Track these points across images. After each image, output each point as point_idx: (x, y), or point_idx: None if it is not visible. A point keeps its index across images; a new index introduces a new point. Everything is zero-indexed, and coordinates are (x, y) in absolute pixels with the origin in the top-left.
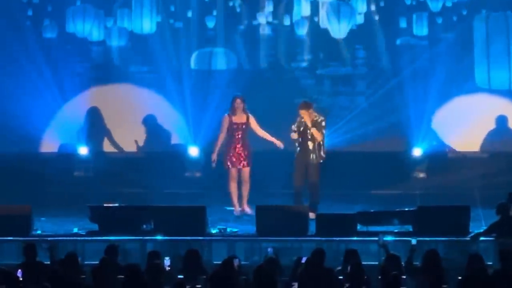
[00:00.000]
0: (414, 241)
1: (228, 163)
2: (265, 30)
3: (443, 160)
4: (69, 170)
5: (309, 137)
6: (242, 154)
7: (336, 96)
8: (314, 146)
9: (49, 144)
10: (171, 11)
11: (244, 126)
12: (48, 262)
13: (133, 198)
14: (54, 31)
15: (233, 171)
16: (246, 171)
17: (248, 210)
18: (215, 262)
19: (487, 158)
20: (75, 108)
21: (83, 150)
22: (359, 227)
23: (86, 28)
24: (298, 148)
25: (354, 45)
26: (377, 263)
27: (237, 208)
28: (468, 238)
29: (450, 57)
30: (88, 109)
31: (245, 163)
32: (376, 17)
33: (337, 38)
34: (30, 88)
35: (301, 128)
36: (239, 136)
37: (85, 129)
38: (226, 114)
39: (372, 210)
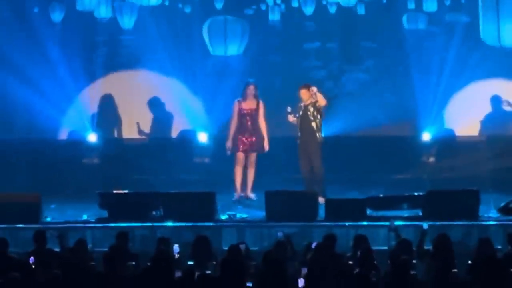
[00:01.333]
0: (425, 226)
1: (236, 148)
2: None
3: (452, 144)
4: (78, 157)
5: (311, 118)
6: (250, 140)
7: (344, 80)
8: (317, 126)
9: (58, 131)
10: None
11: (254, 113)
12: (58, 249)
13: (142, 185)
14: (62, 13)
15: (240, 156)
16: (252, 156)
17: (251, 195)
18: (224, 248)
19: (496, 141)
20: (84, 95)
21: (92, 137)
22: (368, 212)
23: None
24: (299, 134)
25: (363, 28)
26: (386, 248)
27: (238, 193)
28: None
29: (462, 41)
30: (98, 96)
31: (252, 148)
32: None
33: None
34: (41, 76)
35: (301, 112)
36: (249, 122)
37: (95, 116)
38: (236, 100)
39: (381, 195)
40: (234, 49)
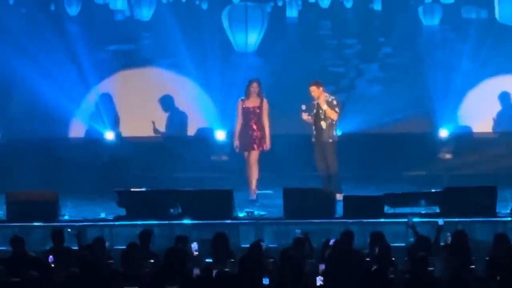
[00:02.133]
0: (441, 222)
1: (241, 147)
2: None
3: (469, 141)
4: (96, 155)
5: (322, 116)
6: (253, 137)
7: (361, 76)
8: (327, 126)
9: (76, 129)
10: None
11: (258, 110)
12: (76, 248)
13: (160, 183)
14: (78, 7)
15: (246, 155)
16: (253, 154)
17: (253, 196)
18: (242, 246)
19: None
20: (102, 93)
21: (109, 135)
22: (386, 208)
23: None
24: (314, 132)
25: (380, 25)
26: (404, 244)
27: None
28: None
29: (478, 37)
30: (113, 93)
31: (254, 146)
32: None
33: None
34: (57, 73)
35: (314, 110)
36: (252, 120)
37: (112, 114)
38: (239, 99)
39: (399, 192)
40: (254, 35)
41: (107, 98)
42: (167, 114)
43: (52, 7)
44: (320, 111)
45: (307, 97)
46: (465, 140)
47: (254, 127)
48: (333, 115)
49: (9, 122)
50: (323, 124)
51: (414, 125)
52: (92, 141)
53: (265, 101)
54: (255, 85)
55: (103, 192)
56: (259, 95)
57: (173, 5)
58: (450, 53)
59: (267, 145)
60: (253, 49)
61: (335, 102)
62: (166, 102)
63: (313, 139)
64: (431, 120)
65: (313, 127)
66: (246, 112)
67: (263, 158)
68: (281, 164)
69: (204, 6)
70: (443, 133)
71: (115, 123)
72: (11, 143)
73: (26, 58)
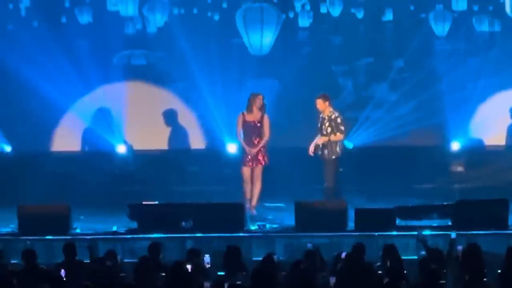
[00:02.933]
0: (453, 235)
1: (243, 162)
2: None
3: (481, 153)
4: (108, 168)
5: (324, 132)
6: (255, 153)
7: (373, 90)
8: (331, 140)
9: (87, 142)
10: (208, 3)
11: (259, 125)
12: (88, 261)
13: (172, 196)
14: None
15: (245, 170)
16: (258, 169)
17: (253, 211)
18: (254, 259)
19: None
20: (113, 106)
21: (121, 148)
22: (398, 221)
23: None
24: (320, 146)
25: (391, 37)
26: (416, 257)
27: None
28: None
29: (490, 49)
30: (125, 105)
31: (256, 162)
32: (411, 7)
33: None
34: (67, 87)
35: (318, 124)
36: (253, 134)
37: (122, 127)
38: (240, 112)
39: (410, 205)
40: (269, 35)
41: (118, 111)
42: (179, 127)
43: (64, 19)
44: (323, 127)
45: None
46: (477, 153)
47: (255, 142)
48: (339, 137)
49: (20, 135)
50: (326, 139)
51: (426, 138)
52: (104, 154)
53: (266, 116)
54: (258, 99)
55: (115, 205)
56: (261, 109)
57: (184, 16)
58: (462, 65)
59: (266, 160)
60: (267, 51)
61: (339, 120)
62: (178, 115)
63: (319, 152)
64: (443, 133)
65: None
66: (247, 126)
67: (273, 171)
68: (293, 177)
69: (216, 17)
70: (455, 146)
71: (126, 136)
72: (22, 156)
73: (37, 71)
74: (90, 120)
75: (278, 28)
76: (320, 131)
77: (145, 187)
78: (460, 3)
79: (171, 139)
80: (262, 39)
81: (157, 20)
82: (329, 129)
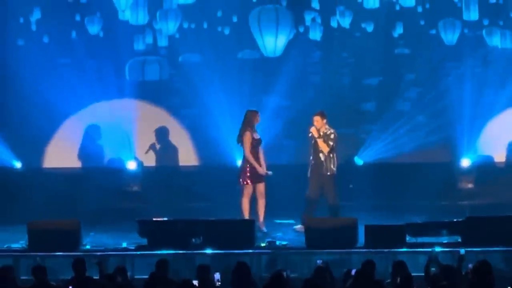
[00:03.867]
0: (462, 251)
1: (247, 180)
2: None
3: (491, 170)
4: (118, 185)
5: (319, 149)
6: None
7: (382, 106)
8: (325, 158)
9: (98, 159)
10: (217, 16)
11: (261, 141)
12: (97, 277)
13: (182, 212)
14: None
15: (249, 188)
16: (263, 185)
17: (262, 227)
18: (264, 275)
19: None
20: (124, 122)
21: (131, 165)
22: (408, 238)
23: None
24: (312, 161)
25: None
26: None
27: None
28: None
29: (501, 65)
30: (134, 122)
31: (262, 178)
32: (422, 22)
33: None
34: (78, 102)
35: (313, 141)
36: (260, 151)
37: (133, 143)
38: (248, 132)
39: (420, 221)
40: (284, 36)
41: (129, 127)
42: (189, 144)
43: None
44: (317, 145)
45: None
46: (486, 170)
47: (261, 158)
48: (324, 147)
49: (29, 151)
50: (322, 156)
51: (435, 154)
52: (115, 171)
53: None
54: (258, 116)
55: (125, 222)
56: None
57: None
58: (472, 82)
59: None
60: (280, 53)
61: (332, 136)
62: (160, 133)
63: (310, 167)
64: (453, 149)
65: (311, 158)
66: (257, 144)
67: (283, 188)
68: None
69: (227, 31)
70: (465, 162)
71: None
72: (31, 172)
73: (47, 84)
74: (99, 136)
75: (293, 31)
76: (315, 149)
77: (155, 204)
78: (472, 13)
79: (179, 156)
80: (276, 40)
81: (169, 29)
82: (319, 143)
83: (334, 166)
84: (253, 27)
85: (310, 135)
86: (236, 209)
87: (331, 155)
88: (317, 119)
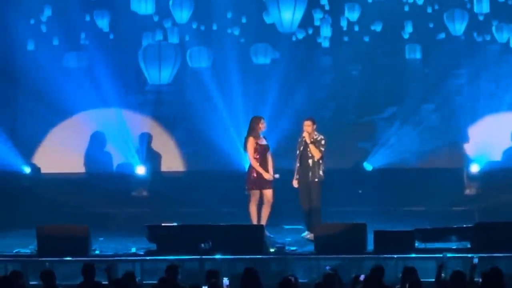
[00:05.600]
0: (476, 260)
1: (253, 186)
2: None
3: (500, 176)
4: (127, 190)
5: (309, 155)
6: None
7: (391, 112)
8: (313, 164)
9: (107, 164)
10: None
11: (266, 148)
12: (106, 282)
13: (191, 217)
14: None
15: (256, 194)
16: (271, 191)
17: (266, 232)
18: (273, 281)
19: None
20: (133, 127)
21: (140, 170)
22: (417, 244)
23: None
24: (299, 169)
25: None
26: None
27: None
28: None
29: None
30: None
31: (267, 185)
32: (431, 25)
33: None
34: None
35: (301, 148)
36: (265, 158)
37: (143, 149)
38: (251, 137)
39: (430, 227)
40: (301, 10)
41: (138, 133)
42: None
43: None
44: (308, 149)
45: (339, 129)
46: (495, 175)
47: (268, 165)
48: (316, 153)
49: (38, 156)
50: (310, 162)
51: (444, 160)
52: (124, 176)
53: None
54: (261, 124)
55: (134, 227)
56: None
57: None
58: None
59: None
60: (295, 28)
61: (323, 142)
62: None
63: (297, 177)
64: (462, 155)
65: (298, 165)
66: (264, 149)
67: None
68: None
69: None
70: (474, 168)
71: (146, 158)
72: (41, 177)
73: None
74: (108, 142)
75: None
76: (303, 155)
77: (164, 209)
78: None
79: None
80: (294, 14)
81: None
82: (310, 148)
83: (322, 172)
84: (271, 3)
85: (300, 140)
86: (242, 215)
87: (320, 161)
88: (308, 124)
